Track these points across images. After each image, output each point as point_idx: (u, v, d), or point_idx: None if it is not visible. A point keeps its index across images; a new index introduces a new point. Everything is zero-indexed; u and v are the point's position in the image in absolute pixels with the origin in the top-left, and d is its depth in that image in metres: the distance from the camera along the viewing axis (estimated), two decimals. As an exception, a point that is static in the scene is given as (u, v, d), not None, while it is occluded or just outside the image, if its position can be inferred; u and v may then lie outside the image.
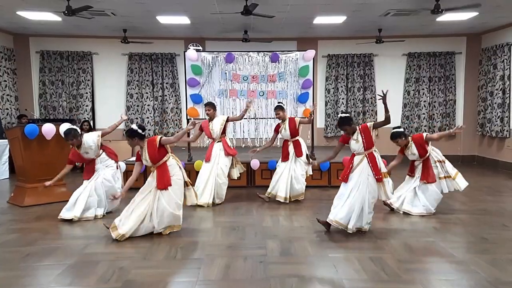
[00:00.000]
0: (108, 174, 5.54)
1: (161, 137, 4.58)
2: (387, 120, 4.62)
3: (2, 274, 3.64)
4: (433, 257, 4.02)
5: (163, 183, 4.52)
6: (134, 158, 7.64)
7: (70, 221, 5.24)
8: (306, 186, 6.84)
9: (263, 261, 3.89)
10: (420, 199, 5.52)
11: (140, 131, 4.58)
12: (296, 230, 4.94)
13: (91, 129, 9.41)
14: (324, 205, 5.95)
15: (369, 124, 4.68)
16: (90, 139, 5.45)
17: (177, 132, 10.50)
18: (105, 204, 5.52)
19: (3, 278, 3.56)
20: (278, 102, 6.58)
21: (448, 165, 5.61)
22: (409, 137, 5.58)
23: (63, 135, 5.50)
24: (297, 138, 6.21)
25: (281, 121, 6.32)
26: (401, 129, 5.58)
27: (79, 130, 5.51)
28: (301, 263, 3.89)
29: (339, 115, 4.80)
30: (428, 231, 4.82)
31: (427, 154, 5.48)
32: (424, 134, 5.52)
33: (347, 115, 4.76)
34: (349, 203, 4.59)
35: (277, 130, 6.39)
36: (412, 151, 5.49)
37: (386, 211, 5.71)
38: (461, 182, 5.56)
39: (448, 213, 5.65)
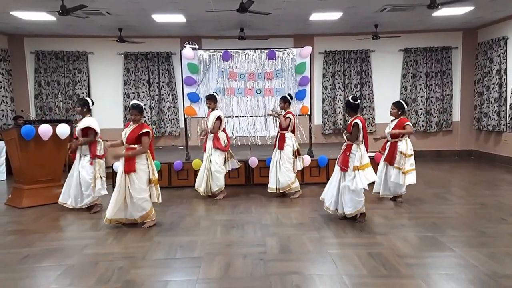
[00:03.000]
0: (86, 165, 5.64)
1: (151, 134, 4.88)
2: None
3: (1, 276, 3.63)
4: (432, 252, 4.03)
5: (128, 167, 4.77)
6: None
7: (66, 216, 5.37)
8: (305, 183, 6.88)
9: (263, 258, 3.89)
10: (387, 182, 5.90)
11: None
12: (295, 227, 4.95)
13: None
14: (323, 202, 5.96)
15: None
16: (88, 122, 5.60)
17: (174, 131, 10.53)
18: (81, 197, 5.70)
19: (2, 280, 3.54)
20: (288, 94, 6.62)
21: (409, 160, 5.80)
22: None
23: (78, 101, 5.82)
24: (284, 132, 6.30)
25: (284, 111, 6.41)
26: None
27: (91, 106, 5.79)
28: (301, 260, 3.90)
29: (348, 98, 5.12)
30: (426, 226, 4.83)
31: (398, 139, 5.83)
32: (410, 123, 5.93)
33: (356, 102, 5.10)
34: (332, 190, 5.07)
35: (284, 116, 6.36)
36: (391, 125, 5.93)
37: (385, 206, 5.72)
38: (408, 180, 5.80)
39: (446, 207, 5.67)
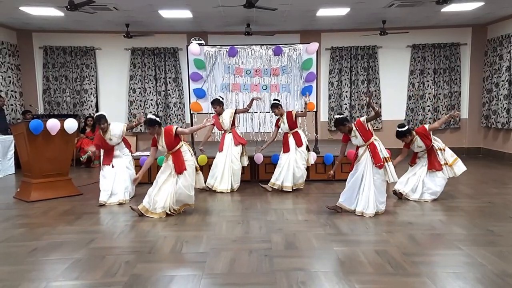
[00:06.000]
0: (127, 162, 6.15)
1: (176, 128, 5.14)
2: (377, 115, 5.14)
3: (10, 269, 3.67)
4: (439, 250, 4.01)
5: (179, 168, 5.08)
6: (138, 153, 7.74)
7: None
8: (311, 180, 6.88)
9: (268, 254, 3.89)
10: (427, 185, 5.77)
11: (158, 119, 5.15)
12: (300, 223, 4.95)
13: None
14: (328, 199, 5.95)
15: (362, 119, 5.10)
16: (117, 128, 6.03)
17: (180, 127, 10.54)
18: (129, 190, 6.06)
19: (10, 273, 3.58)
20: (274, 100, 6.75)
21: (447, 152, 5.89)
22: (413, 132, 5.82)
23: (96, 118, 6.06)
24: (296, 130, 6.52)
25: (279, 116, 6.61)
26: (406, 127, 5.76)
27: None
28: (306, 256, 3.90)
29: (335, 117, 5.28)
30: (433, 224, 4.80)
31: (431, 144, 5.78)
32: (427, 126, 5.84)
33: (341, 116, 5.21)
34: (361, 191, 5.05)
35: (277, 125, 6.69)
36: (418, 144, 5.78)
37: (391, 204, 5.70)
38: (458, 169, 5.83)
39: (454, 205, 5.63)
